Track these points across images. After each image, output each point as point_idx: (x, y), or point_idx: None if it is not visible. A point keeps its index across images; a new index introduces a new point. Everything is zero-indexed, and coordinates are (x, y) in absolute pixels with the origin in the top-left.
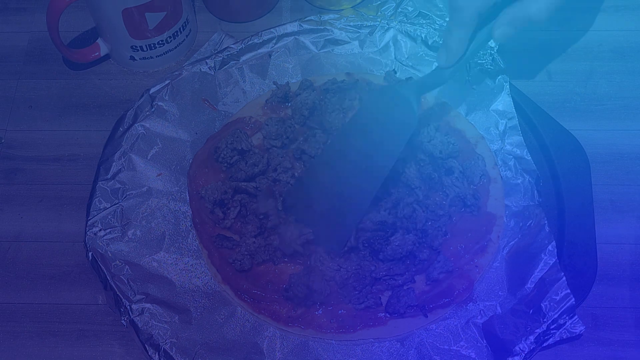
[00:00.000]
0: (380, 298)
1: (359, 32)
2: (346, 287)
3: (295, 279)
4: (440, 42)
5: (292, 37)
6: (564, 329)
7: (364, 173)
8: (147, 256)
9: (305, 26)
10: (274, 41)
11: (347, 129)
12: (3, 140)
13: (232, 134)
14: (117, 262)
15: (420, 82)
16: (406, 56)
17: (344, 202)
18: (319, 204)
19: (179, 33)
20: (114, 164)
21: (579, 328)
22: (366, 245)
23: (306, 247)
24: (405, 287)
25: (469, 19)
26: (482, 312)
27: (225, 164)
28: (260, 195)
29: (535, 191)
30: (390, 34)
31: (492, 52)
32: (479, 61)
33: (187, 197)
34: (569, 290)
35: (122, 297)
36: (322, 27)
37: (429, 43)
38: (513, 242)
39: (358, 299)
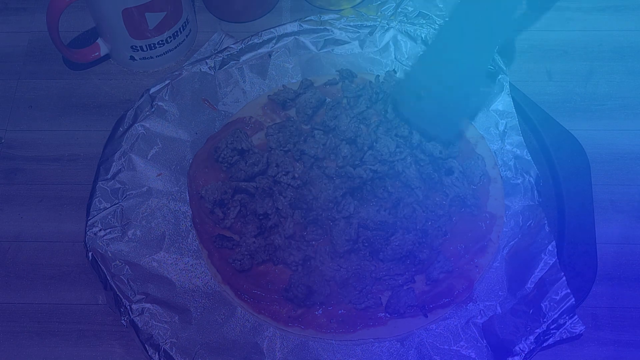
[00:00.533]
0: (380, 298)
1: (359, 32)
2: (346, 287)
3: (295, 280)
4: None
5: (292, 37)
6: (564, 329)
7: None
8: (147, 256)
9: (305, 26)
10: (274, 41)
11: (454, 18)
12: (3, 140)
13: (232, 133)
14: (117, 262)
15: None
16: (406, 56)
17: (455, 81)
18: (431, 91)
19: (179, 33)
20: (114, 164)
21: (579, 328)
22: (366, 244)
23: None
24: (405, 287)
25: None
26: (482, 312)
27: (226, 164)
28: (260, 195)
29: (535, 191)
30: (390, 34)
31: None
32: None
33: (187, 197)
34: (569, 290)
35: (122, 297)
36: (322, 27)
37: (429, 43)
38: (513, 242)
39: (358, 299)
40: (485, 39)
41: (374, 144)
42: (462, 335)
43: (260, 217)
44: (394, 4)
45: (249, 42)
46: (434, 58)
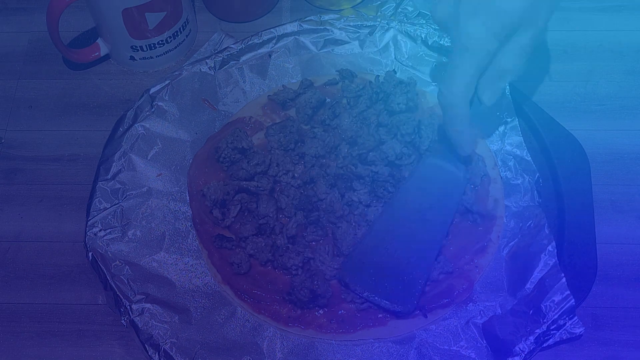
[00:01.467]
0: None
1: (359, 32)
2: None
3: (297, 283)
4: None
5: (292, 37)
6: (564, 329)
7: (423, 233)
8: (147, 256)
9: (305, 26)
10: (274, 41)
11: (399, 198)
12: (3, 140)
13: (232, 133)
14: (117, 262)
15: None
16: (406, 56)
17: (407, 263)
18: (381, 268)
19: (179, 33)
20: (114, 164)
21: (579, 329)
22: None
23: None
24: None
25: (462, 109)
26: (482, 312)
27: (227, 163)
28: (262, 198)
29: (535, 191)
30: (390, 34)
31: None
32: None
33: (187, 197)
34: (569, 291)
35: (122, 297)
36: (322, 27)
37: (429, 43)
38: (513, 243)
39: (360, 297)
40: (433, 224)
41: (380, 145)
42: (462, 336)
43: (261, 218)
44: (394, 4)
45: (249, 42)
46: (380, 238)
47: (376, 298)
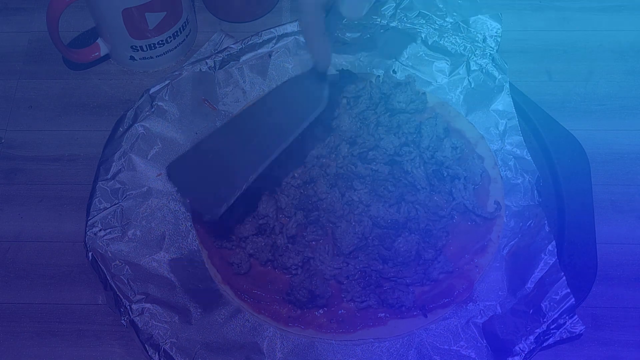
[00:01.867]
0: (381, 297)
1: (359, 32)
2: (350, 282)
3: (297, 283)
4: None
5: (292, 37)
6: (564, 328)
7: (260, 142)
8: (147, 256)
9: None
10: (274, 41)
11: (253, 106)
12: (3, 140)
13: None
14: (117, 262)
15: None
16: (406, 56)
17: (234, 168)
18: (206, 171)
19: (179, 33)
20: (114, 164)
21: (579, 328)
22: (377, 242)
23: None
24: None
25: (314, 15)
26: (482, 312)
27: None
28: (262, 198)
29: (535, 191)
30: (390, 34)
31: (492, 52)
32: (479, 61)
33: None
34: (569, 290)
35: (122, 297)
36: None
37: (429, 43)
38: (513, 242)
39: (360, 297)
40: (274, 137)
41: (378, 142)
42: (462, 335)
43: (261, 218)
44: (394, 4)
45: (249, 42)
46: (219, 138)
47: (188, 200)
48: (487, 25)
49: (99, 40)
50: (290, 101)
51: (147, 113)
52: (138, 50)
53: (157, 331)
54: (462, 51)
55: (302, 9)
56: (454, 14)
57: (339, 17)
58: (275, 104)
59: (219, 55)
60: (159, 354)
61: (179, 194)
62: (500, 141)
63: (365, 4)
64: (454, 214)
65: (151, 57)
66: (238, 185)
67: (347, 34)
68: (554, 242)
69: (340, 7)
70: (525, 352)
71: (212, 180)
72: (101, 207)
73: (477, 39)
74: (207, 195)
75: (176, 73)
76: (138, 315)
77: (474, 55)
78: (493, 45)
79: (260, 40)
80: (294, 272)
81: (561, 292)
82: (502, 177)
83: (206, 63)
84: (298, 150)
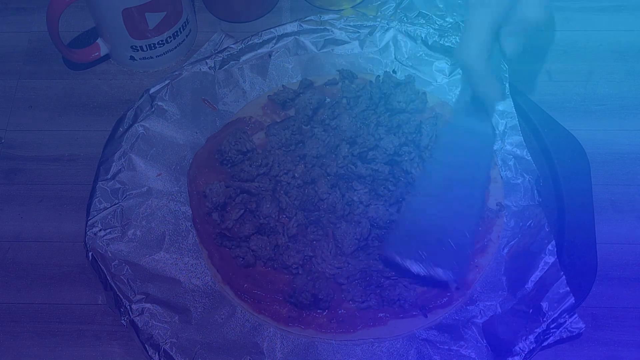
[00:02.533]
0: (382, 297)
1: (359, 32)
2: (351, 282)
3: (299, 285)
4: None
5: (292, 37)
6: (564, 328)
7: (462, 193)
8: (147, 256)
9: (305, 26)
10: (274, 41)
11: (431, 164)
12: (3, 140)
13: (234, 135)
14: (117, 262)
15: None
16: (406, 56)
17: (451, 226)
18: (426, 237)
19: (179, 33)
20: (114, 164)
21: (579, 327)
22: (376, 242)
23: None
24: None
25: (480, 60)
26: (482, 311)
27: (229, 166)
28: (263, 199)
29: (535, 191)
30: (390, 34)
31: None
32: None
33: (187, 197)
34: (568, 290)
35: (122, 297)
36: (322, 27)
37: (429, 43)
38: (513, 242)
39: (361, 297)
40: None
41: (378, 142)
42: (462, 335)
43: (262, 218)
44: (394, 4)
45: (249, 42)
46: (421, 206)
47: (430, 269)
48: None
49: (99, 40)
50: (464, 147)
51: (147, 113)
52: (138, 50)
53: (157, 331)
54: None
55: (467, 56)
56: (454, 14)
57: (498, 54)
58: (451, 155)
59: (219, 55)
60: (159, 354)
61: (411, 268)
62: (500, 141)
63: (524, 39)
64: None
65: (151, 57)
66: (467, 248)
67: (348, 34)
68: (553, 242)
69: (502, 46)
70: (525, 352)
71: (438, 251)
72: (101, 207)
73: None
74: (444, 257)
75: (176, 73)
76: (138, 315)
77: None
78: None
79: (260, 40)
80: (294, 271)
81: (561, 291)
82: (502, 177)
83: (206, 63)
84: None
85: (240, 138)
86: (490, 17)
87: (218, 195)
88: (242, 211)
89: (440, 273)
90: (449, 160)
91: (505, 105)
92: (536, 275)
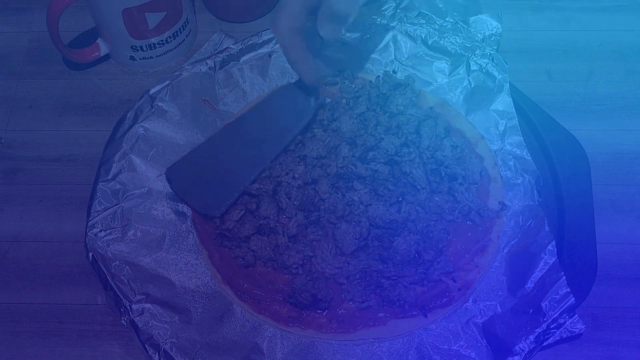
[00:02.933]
0: (382, 297)
1: (359, 32)
2: (351, 282)
3: (299, 285)
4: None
5: None
6: (564, 328)
7: (255, 150)
8: (147, 256)
9: None
10: (274, 41)
11: (247, 115)
12: (3, 140)
13: None
14: (117, 262)
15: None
16: (406, 56)
17: (231, 173)
18: (204, 174)
19: (179, 33)
20: (115, 165)
21: (579, 327)
22: (377, 243)
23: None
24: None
25: (291, 39)
26: (482, 311)
27: None
28: (264, 200)
29: (535, 191)
30: (390, 34)
31: (492, 52)
32: (479, 61)
33: None
34: (568, 290)
35: (122, 297)
36: None
37: (429, 43)
38: (513, 242)
39: (361, 297)
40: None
41: (379, 143)
42: (462, 335)
43: (262, 219)
44: (394, 4)
45: (249, 42)
46: (216, 147)
47: (190, 201)
48: (487, 25)
49: (99, 40)
50: (281, 111)
51: (148, 113)
52: (138, 50)
53: (157, 331)
54: (462, 51)
55: (278, 33)
56: (454, 14)
57: (318, 37)
58: (267, 114)
59: (219, 55)
60: (159, 354)
61: (178, 196)
62: (500, 141)
63: (340, 27)
64: (459, 216)
65: (151, 57)
66: (236, 189)
67: (347, 34)
68: (554, 242)
69: (318, 28)
70: (525, 352)
71: (210, 183)
72: (101, 208)
73: (477, 39)
74: (207, 197)
75: (176, 73)
76: (138, 315)
77: (474, 55)
78: (493, 45)
79: (260, 41)
80: (294, 271)
81: (561, 291)
82: (502, 177)
83: (206, 63)
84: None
85: None
86: None
87: None
88: (242, 212)
89: (197, 207)
90: (262, 118)
91: (505, 105)
92: (536, 276)
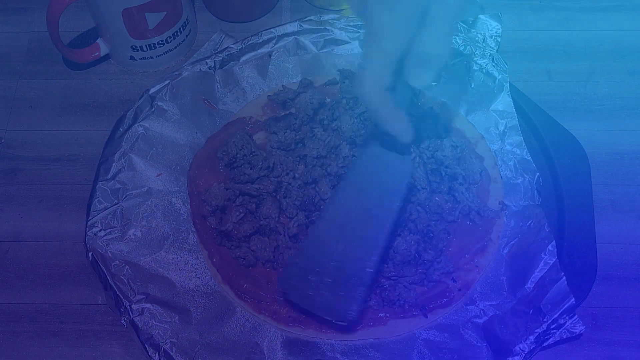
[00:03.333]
0: (382, 298)
1: (359, 32)
2: None
3: None
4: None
5: (292, 37)
6: (564, 328)
7: (367, 231)
8: (147, 256)
9: (305, 26)
10: (274, 41)
11: (340, 195)
12: (3, 140)
13: (241, 138)
14: (117, 262)
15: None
16: None
17: (350, 266)
18: (322, 275)
19: (179, 33)
20: (114, 164)
21: (579, 328)
22: None
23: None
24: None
25: (380, 99)
26: (482, 312)
27: (231, 167)
28: (264, 201)
29: (535, 191)
30: None
31: (492, 52)
32: (479, 61)
33: (187, 197)
34: (569, 290)
35: (122, 297)
36: (322, 27)
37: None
38: (513, 242)
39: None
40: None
41: None
42: (462, 335)
43: (262, 219)
44: None
45: (249, 42)
46: (323, 241)
47: (316, 312)
48: (487, 25)
49: (99, 40)
50: (374, 179)
51: (147, 113)
52: (138, 50)
53: (157, 331)
54: (462, 51)
55: (365, 95)
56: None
57: (407, 87)
58: (359, 187)
59: (219, 55)
60: (159, 354)
61: (301, 305)
62: (500, 141)
63: (430, 72)
64: (459, 216)
65: (151, 57)
66: (359, 285)
67: (348, 34)
68: (554, 242)
69: (408, 80)
70: (525, 352)
71: (329, 285)
72: (101, 207)
73: (477, 39)
74: (331, 300)
75: (176, 73)
76: (138, 315)
77: (474, 55)
78: (493, 45)
79: (260, 40)
80: None
81: (561, 292)
82: (502, 177)
83: (206, 63)
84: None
85: (246, 141)
86: (385, 48)
87: (217, 198)
88: (242, 214)
89: (327, 318)
90: (360, 192)
91: (505, 105)
92: (536, 276)
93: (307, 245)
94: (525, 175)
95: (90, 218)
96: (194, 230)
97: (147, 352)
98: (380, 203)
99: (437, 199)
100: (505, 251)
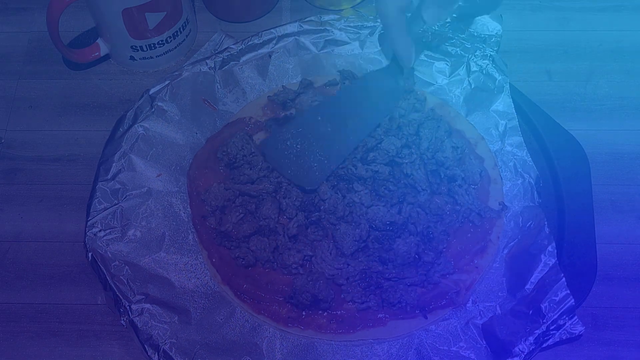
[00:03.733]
0: (382, 298)
1: (359, 33)
2: (351, 283)
3: (299, 286)
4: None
5: (292, 38)
6: (564, 329)
7: (349, 127)
8: (147, 256)
9: (306, 27)
10: (274, 41)
11: (338, 94)
12: (3, 140)
13: (241, 139)
14: (117, 262)
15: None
16: None
17: (325, 149)
18: (300, 148)
19: (179, 33)
20: (114, 164)
21: (579, 329)
22: (376, 245)
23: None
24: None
25: (396, 19)
26: (481, 312)
27: (231, 168)
28: (264, 201)
29: (535, 192)
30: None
31: (493, 52)
32: (479, 62)
33: (187, 197)
34: (568, 291)
35: (121, 298)
36: (322, 28)
37: (429, 44)
38: (513, 243)
39: (360, 297)
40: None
41: (380, 144)
42: (462, 336)
43: (262, 220)
44: None
45: (249, 43)
46: (307, 122)
47: (285, 173)
48: (487, 26)
49: (99, 40)
50: (371, 91)
51: (147, 113)
52: (138, 50)
53: (156, 331)
54: (462, 52)
55: (384, 12)
56: (454, 15)
57: (420, 20)
58: (357, 94)
59: (219, 55)
60: (158, 354)
61: (274, 168)
62: (500, 142)
63: (445, 12)
64: (459, 218)
65: (151, 57)
66: (330, 164)
67: (348, 35)
68: (553, 243)
69: (422, 13)
70: (525, 353)
71: (305, 158)
72: (101, 208)
73: (477, 39)
74: (302, 171)
75: (176, 73)
76: (138, 315)
77: (474, 56)
78: (493, 45)
79: (260, 41)
80: (294, 271)
81: (561, 293)
82: (502, 178)
83: (206, 63)
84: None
85: (247, 142)
86: None
87: (217, 198)
88: (241, 215)
89: (294, 180)
90: (354, 97)
91: (505, 106)
92: (536, 277)
93: (297, 120)
94: (525, 175)
95: (90, 218)
96: (194, 230)
97: (147, 352)
98: (372, 108)
99: (437, 200)
100: (505, 252)
